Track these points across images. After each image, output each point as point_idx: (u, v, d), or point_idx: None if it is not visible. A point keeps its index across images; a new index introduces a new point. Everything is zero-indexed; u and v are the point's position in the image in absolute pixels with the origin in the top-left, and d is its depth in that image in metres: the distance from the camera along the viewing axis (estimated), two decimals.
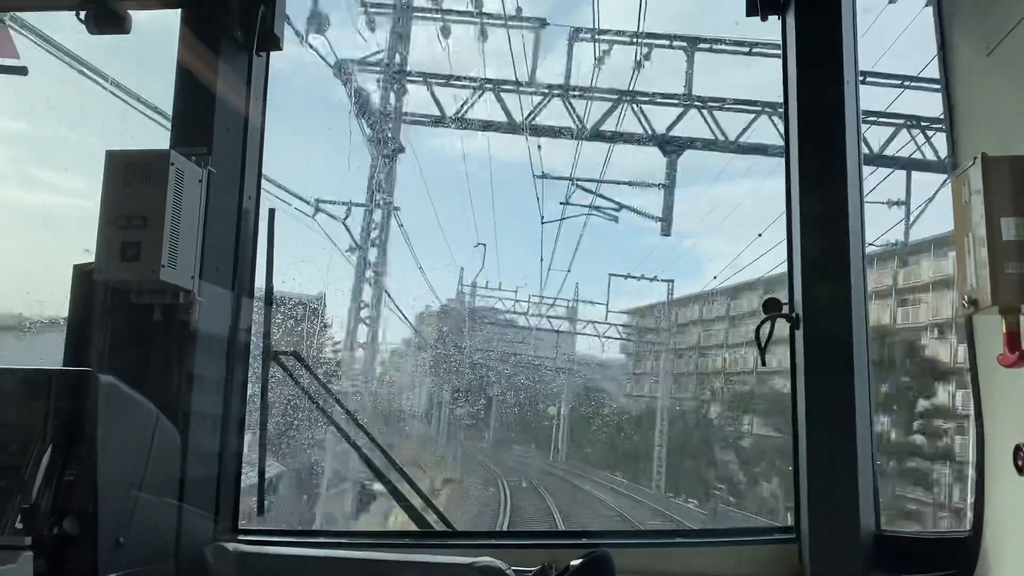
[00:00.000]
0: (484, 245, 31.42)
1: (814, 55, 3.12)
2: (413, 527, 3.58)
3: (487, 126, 19.75)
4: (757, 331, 3.19)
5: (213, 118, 3.33)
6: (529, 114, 19.13)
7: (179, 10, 3.46)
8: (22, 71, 3.66)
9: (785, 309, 3.14)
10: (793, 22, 3.18)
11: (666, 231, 19.59)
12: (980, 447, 2.74)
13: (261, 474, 3.70)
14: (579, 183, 21.38)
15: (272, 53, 3.66)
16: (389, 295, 21.19)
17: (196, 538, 3.10)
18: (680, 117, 18.45)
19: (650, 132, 18.77)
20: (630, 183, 20.71)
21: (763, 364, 3.33)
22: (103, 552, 2.48)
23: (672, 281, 30.76)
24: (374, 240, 20.88)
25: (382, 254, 21.06)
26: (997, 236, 2.22)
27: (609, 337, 31.63)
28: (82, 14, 3.41)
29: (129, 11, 3.48)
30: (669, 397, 30.27)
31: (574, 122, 19.19)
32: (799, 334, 3.07)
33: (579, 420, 32.12)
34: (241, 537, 3.33)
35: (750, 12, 3.30)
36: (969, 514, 2.82)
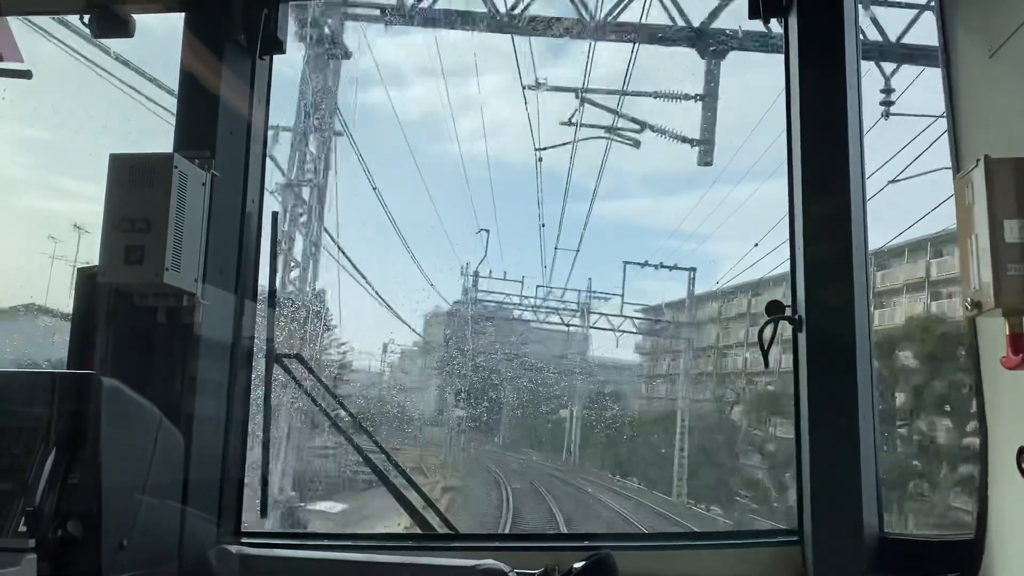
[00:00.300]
0: (487, 231, 29.44)
1: (817, 57, 3.13)
2: (416, 530, 3.58)
3: (457, 19, 14.59)
4: (760, 333, 3.20)
5: (216, 121, 3.34)
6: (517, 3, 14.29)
7: (182, 14, 3.47)
8: (26, 75, 3.67)
9: (788, 311, 3.15)
10: (795, 24, 3.18)
11: (706, 158, 15.09)
12: (984, 449, 2.74)
13: (264, 477, 3.71)
14: (588, 96, 16.97)
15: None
16: (341, 249, 16.75)
17: (199, 541, 3.11)
18: (724, 3, 14.18)
19: (683, 25, 14.16)
20: (655, 94, 16.47)
21: (766, 366, 3.33)
22: (106, 555, 2.48)
23: (694, 269, 28.28)
24: (308, 176, 16.18)
25: (318, 194, 16.08)
26: (1000, 238, 2.22)
27: (624, 331, 29.28)
28: (86, 18, 3.43)
29: (132, 15, 3.50)
30: (690, 398, 28.25)
31: (578, 11, 14.54)
32: (802, 336, 3.07)
33: (592, 423, 29.75)
34: (244, 540, 3.33)
35: (752, 15, 3.30)
36: (973, 516, 2.81)
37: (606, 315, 28.84)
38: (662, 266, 27.48)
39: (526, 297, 29.37)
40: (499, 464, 29.21)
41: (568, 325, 29.96)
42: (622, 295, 28.31)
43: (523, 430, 32.71)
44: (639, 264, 27.51)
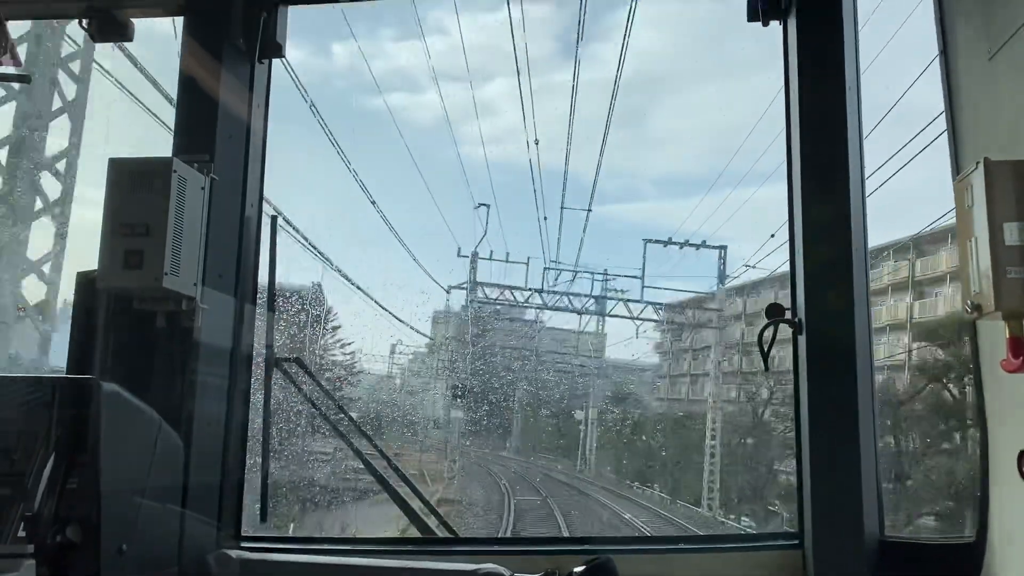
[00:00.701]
0: (487, 206, 26.00)
1: (816, 60, 3.13)
2: (416, 534, 3.57)
3: None
4: (760, 336, 3.20)
5: (215, 125, 3.34)
6: None
7: (181, 18, 3.47)
8: (26, 79, 3.67)
9: (788, 314, 3.15)
10: (794, 28, 3.18)
11: None
12: (984, 453, 2.73)
13: (265, 481, 3.70)
14: None
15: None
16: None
17: (199, 546, 3.10)
18: None
19: None
20: None
21: (766, 369, 3.32)
22: (105, 560, 2.48)
23: (725, 248, 24.89)
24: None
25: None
26: (1000, 241, 2.22)
27: (645, 320, 25.40)
28: (85, 22, 3.44)
29: (132, 19, 3.50)
30: (721, 399, 24.91)
31: None
32: (802, 339, 3.07)
33: (609, 426, 26.78)
34: (244, 544, 3.33)
35: (751, 18, 3.30)
36: (974, 520, 2.81)
37: (625, 300, 24.86)
38: (688, 244, 23.78)
39: (531, 290, 25.42)
40: (504, 471, 26.67)
41: (581, 312, 25.98)
42: (642, 278, 24.57)
43: (533, 435, 30.42)
44: (662, 242, 23.97)
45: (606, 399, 27.87)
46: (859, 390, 2.95)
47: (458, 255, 25.58)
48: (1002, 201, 2.23)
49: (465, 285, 26.10)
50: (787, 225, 3.21)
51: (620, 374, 29.61)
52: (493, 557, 2.92)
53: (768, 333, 3.18)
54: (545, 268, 25.77)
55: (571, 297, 25.96)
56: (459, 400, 25.27)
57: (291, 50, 3.69)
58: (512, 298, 26.13)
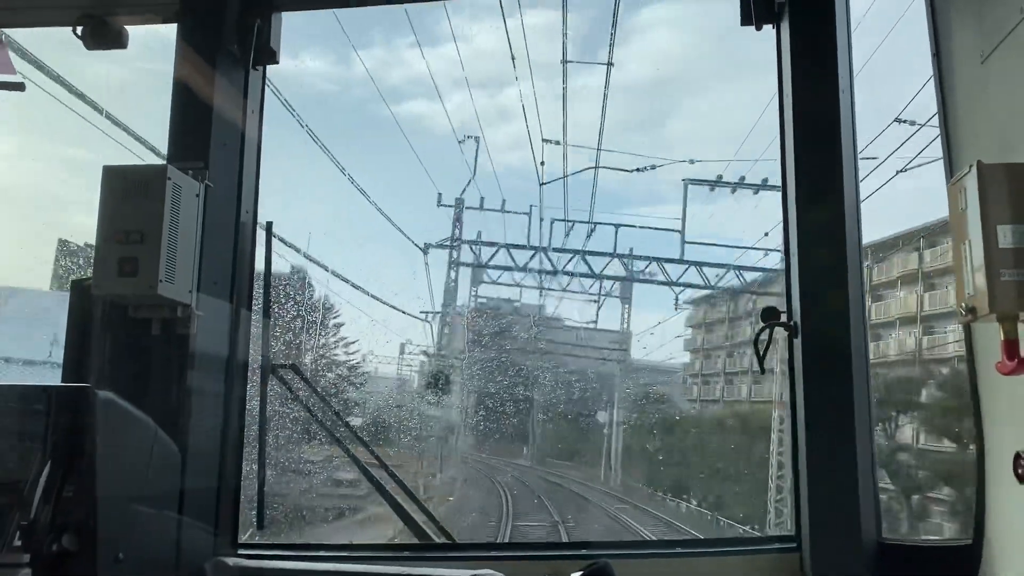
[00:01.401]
0: (476, 139, 20.61)
1: (809, 63, 3.14)
2: (414, 539, 3.57)
3: None
4: (755, 339, 3.20)
5: (210, 132, 3.34)
6: None
7: (175, 25, 3.47)
8: (19, 87, 3.66)
9: (784, 317, 3.15)
10: (787, 31, 3.19)
11: None
12: (980, 455, 2.74)
13: (261, 487, 3.69)
14: None
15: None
16: None
17: (196, 553, 3.09)
18: None
19: None
20: None
21: (762, 372, 3.33)
22: (102, 568, 2.47)
23: None
24: None
25: None
26: (993, 243, 2.22)
27: (689, 286, 19.56)
28: (79, 30, 3.44)
29: (126, 26, 3.50)
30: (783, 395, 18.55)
31: None
32: (797, 342, 3.08)
33: (638, 431, 22.75)
34: (241, 552, 3.32)
35: (744, 21, 3.31)
36: (971, 521, 2.82)
37: (659, 260, 19.13)
38: (743, 185, 18.16)
39: (535, 248, 20.04)
40: (513, 481, 23.87)
41: (600, 277, 20.66)
42: (682, 232, 18.58)
43: (548, 441, 27.46)
44: (708, 183, 18.11)
45: (633, 401, 23.76)
46: (855, 392, 2.95)
47: (438, 204, 20.31)
48: (995, 204, 2.24)
49: (447, 243, 21.15)
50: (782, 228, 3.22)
51: (650, 374, 24.88)
52: (491, 563, 2.92)
53: (763, 336, 3.18)
54: (553, 220, 20.06)
55: (587, 257, 20.39)
56: (436, 387, 21.96)
57: (295, 56, 3.70)
58: (509, 257, 21.40)
